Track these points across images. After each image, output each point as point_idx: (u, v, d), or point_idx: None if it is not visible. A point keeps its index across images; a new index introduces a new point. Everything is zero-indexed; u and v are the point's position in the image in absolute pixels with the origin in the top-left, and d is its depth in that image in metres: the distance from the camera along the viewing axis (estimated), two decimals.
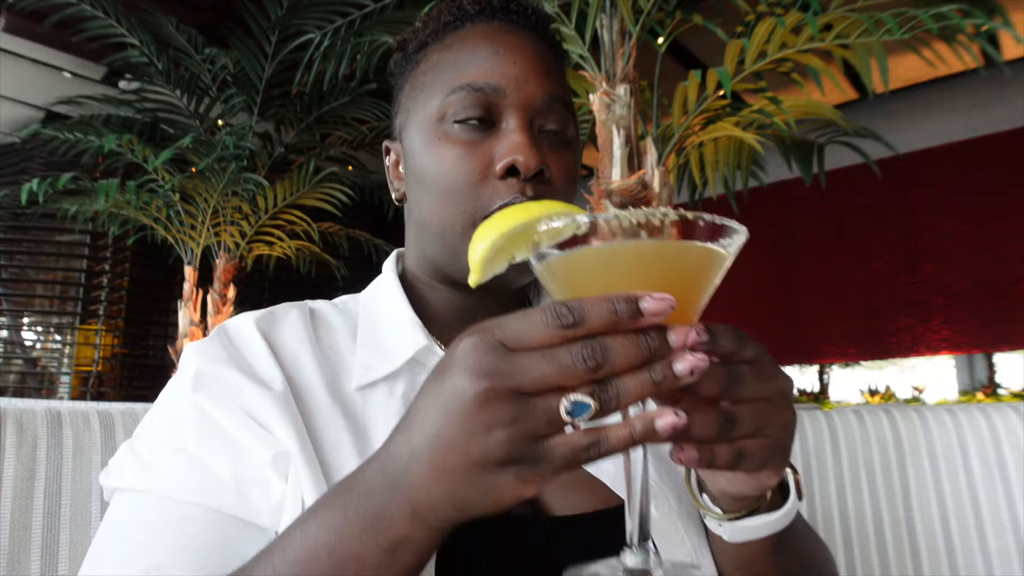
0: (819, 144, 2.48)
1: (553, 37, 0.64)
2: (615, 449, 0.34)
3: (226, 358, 0.53)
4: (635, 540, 0.38)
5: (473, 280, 0.50)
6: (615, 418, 0.35)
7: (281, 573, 0.39)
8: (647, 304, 0.34)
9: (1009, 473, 1.00)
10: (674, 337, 0.34)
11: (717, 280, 0.40)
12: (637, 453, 0.39)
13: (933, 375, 4.64)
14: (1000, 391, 4.25)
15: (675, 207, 0.38)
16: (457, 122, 0.56)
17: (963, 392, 4.42)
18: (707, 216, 0.37)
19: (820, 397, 4.96)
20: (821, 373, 5.14)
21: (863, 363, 4.92)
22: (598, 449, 0.34)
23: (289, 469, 0.49)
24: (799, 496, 0.48)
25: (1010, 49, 3.92)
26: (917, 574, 1.00)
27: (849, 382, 5.05)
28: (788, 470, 0.48)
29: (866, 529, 1.02)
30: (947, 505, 1.01)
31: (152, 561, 0.45)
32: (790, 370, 5.16)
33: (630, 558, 0.38)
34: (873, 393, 4.54)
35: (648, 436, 0.34)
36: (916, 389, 4.59)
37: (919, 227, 4.37)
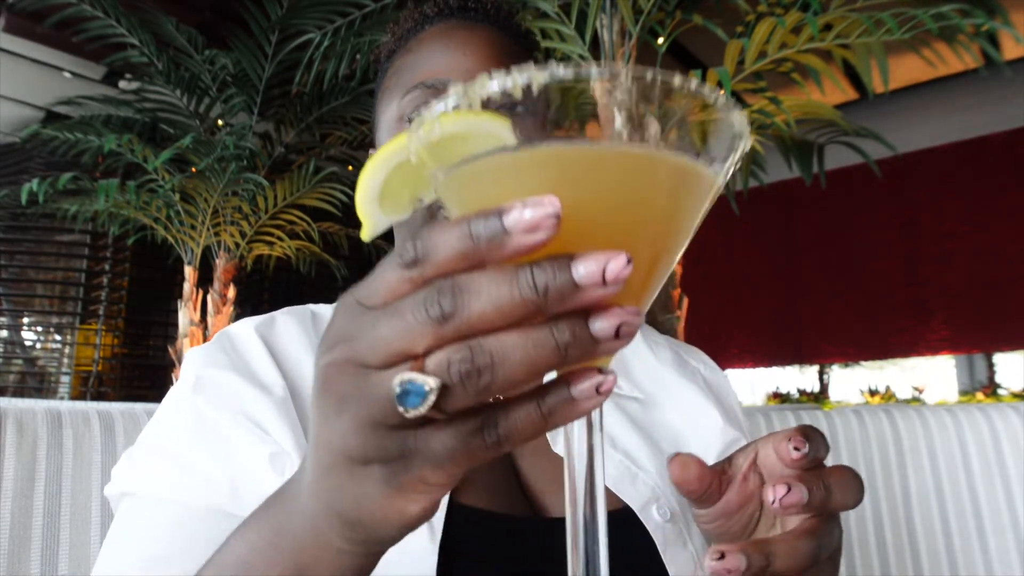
0: (819, 144, 2.47)
1: (517, 29, 0.65)
2: (520, 435, 0.25)
3: (227, 363, 0.54)
4: None
5: (364, 232, 0.36)
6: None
7: None
8: (516, 218, 0.23)
9: (1009, 473, 1.00)
10: (582, 269, 0.23)
11: (692, 224, 0.29)
12: (577, 446, 0.28)
13: (933, 375, 4.64)
14: (1000, 391, 4.25)
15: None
16: (411, 120, 0.57)
17: (963, 392, 4.42)
18: (684, 83, 0.26)
19: (820, 397, 4.96)
20: (821, 373, 5.13)
21: (863, 363, 4.92)
22: (493, 436, 0.25)
23: (286, 468, 0.49)
24: None
25: (1010, 49, 3.92)
26: (917, 574, 1.00)
27: (849, 382, 5.04)
28: None
29: (866, 529, 1.02)
30: (947, 505, 1.01)
31: (151, 554, 0.45)
32: (790, 370, 5.16)
33: None
34: (873, 393, 4.54)
35: (565, 412, 0.25)
36: (916, 389, 4.59)
37: (919, 227, 4.37)
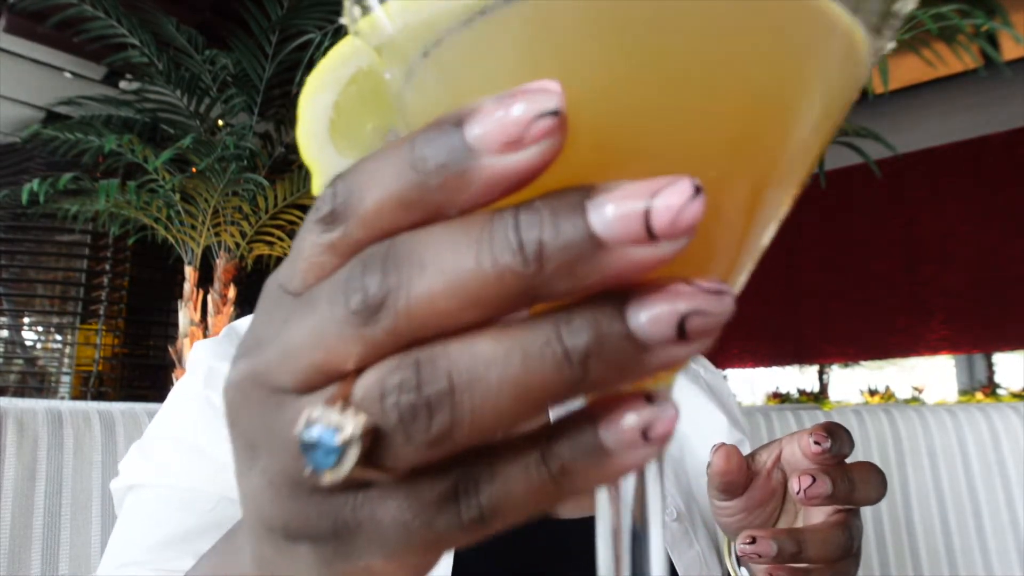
0: None
1: None
2: (516, 509, 0.15)
3: None
4: None
5: (315, 184, 0.23)
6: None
7: None
8: (484, 125, 0.13)
9: (1009, 473, 1.00)
10: (610, 210, 0.13)
11: (824, 126, 0.18)
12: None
13: (933, 375, 4.64)
14: (999, 391, 4.25)
15: None
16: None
17: (963, 392, 4.43)
18: None
19: (820, 397, 4.96)
20: (821, 373, 5.13)
21: (863, 363, 4.92)
22: (471, 510, 0.15)
23: None
24: None
25: (1010, 49, 3.92)
26: (917, 574, 1.00)
27: (849, 382, 5.04)
28: None
29: (866, 529, 1.02)
30: (947, 505, 1.01)
31: (163, 536, 0.45)
32: (790, 370, 5.16)
33: None
34: (873, 393, 4.54)
35: (591, 473, 0.15)
36: (916, 389, 4.59)
37: (919, 227, 4.37)
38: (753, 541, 0.36)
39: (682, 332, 0.13)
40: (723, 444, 0.42)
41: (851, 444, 0.40)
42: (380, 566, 0.16)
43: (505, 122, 0.13)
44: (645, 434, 0.14)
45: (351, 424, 0.14)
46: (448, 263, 0.14)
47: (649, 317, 0.13)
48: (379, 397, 0.14)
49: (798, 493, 0.37)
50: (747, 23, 0.15)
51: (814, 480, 0.37)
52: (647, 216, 0.13)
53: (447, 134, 0.14)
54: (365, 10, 0.17)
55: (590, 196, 0.13)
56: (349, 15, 0.18)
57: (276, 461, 0.16)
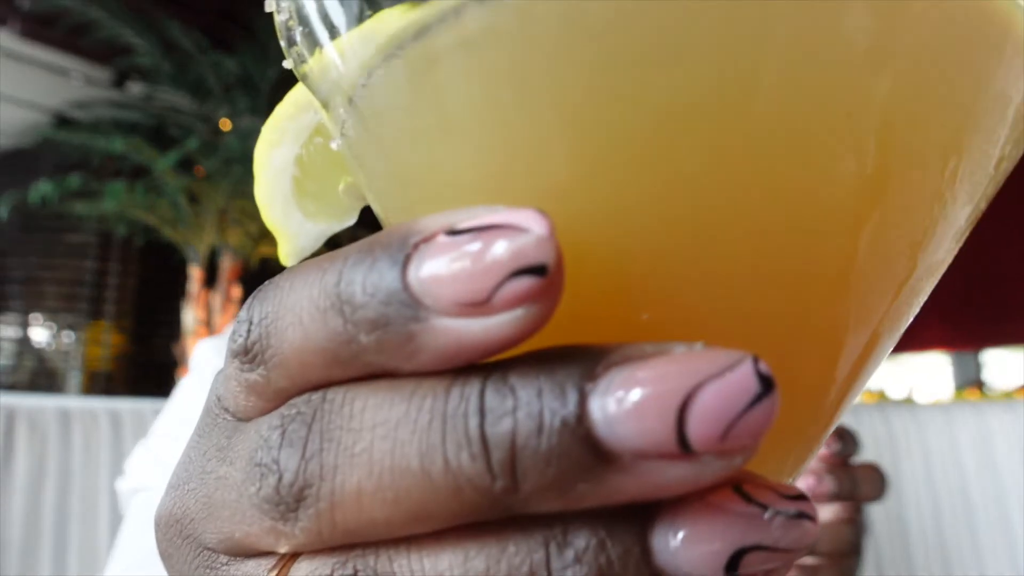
0: None
1: None
2: None
3: None
4: None
5: (283, 252, 0.20)
6: None
7: None
8: (429, 269, 0.10)
9: (1001, 472, 1.01)
10: (621, 404, 0.09)
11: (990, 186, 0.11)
12: None
13: (924, 372, 4.63)
14: (989, 389, 4.26)
15: None
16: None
17: (956, 389, 4.43)
18: None
19: None
20: None
21: None
22: None
23: None
24: None
25: None
26: (910, 572, 1.01)
27: None
28: None
29: None
30: (940, 504, 1.02)
31: None
32: None
33: None
34: (869, 393, 4.56)
35: None
36: (908, 387, 4.60)
37: None
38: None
39: (733, 567, 0.09)
40: None
41: (856, 446, 0.41)
42: None
43: (462, 273, 0.09)
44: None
45: None
46: (383, 457, 0.10)
47: (688, 555, 0.09)
48: None
49: (805, 490, 0.39)
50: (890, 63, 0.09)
51: (818, 479, 0.39)
52: (681, 417, 0.08)
53: (381, 270, 0.10)
54: (312, 47, 0.13)
55: (593, 375, 0.09)
56: (292, 57, 0.14)
57: None
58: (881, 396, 4.47)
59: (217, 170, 3.02)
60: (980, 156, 0.10)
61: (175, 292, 4.06)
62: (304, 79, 0.14)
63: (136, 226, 3.48)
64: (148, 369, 4.33)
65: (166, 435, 0.52)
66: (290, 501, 0.11)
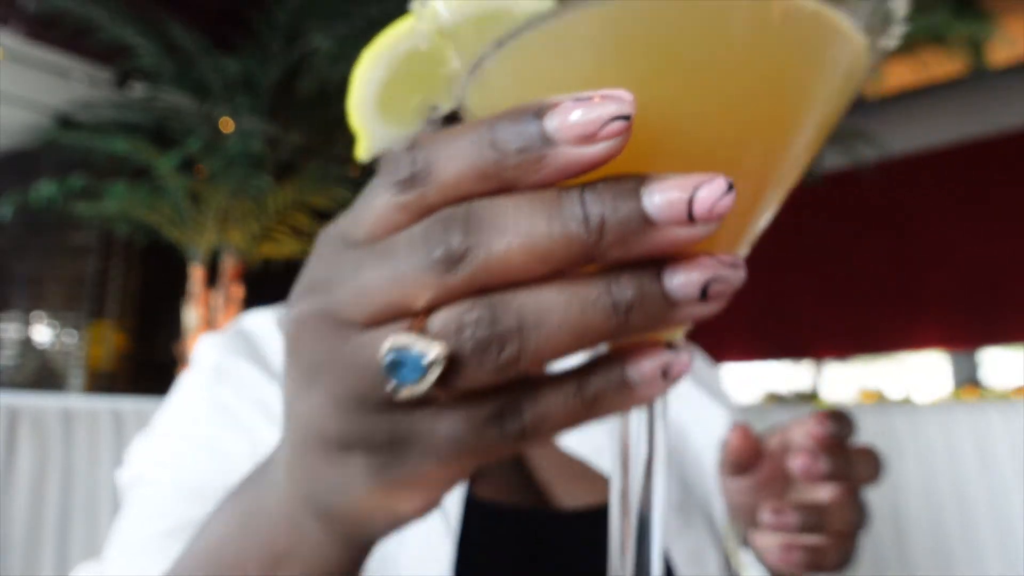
0: None
1: None
2: (552, 426, 0.19)
3: (245, 352, 0.54)
4: None
5: (360, 149, 0.25)
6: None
7: (182, 571, 0.28)
8: (562, 120, 0.16)
9: (1001, 472, 1.01)
10: (658, 197, 0.16)
11: (824, 128, 0.21)
12: (635, 435, 0.21)
13: (923, 372, 4.63)
14: (987, 388, 4.26)
15: None
16: None
17: (955, 387, 4.43)
18: None
19: (813, 397, 4.95)
20: (814, 369, 5.12)
21: (855, 360, 4.91)
22: (514, 426, 0.18)
23: None
24: None
25: (1000, 55, 3.93)
26: (908, 572, 1.01)
27: (842, 379, 5.03)
28: None
29: None
30: (938, 504, 1.03)
31: (170, 525, 0.45)
32: (782, 367, 5.16)
33: None
34: (867, 393, 4.55)
35: (615, 400, 0.19)
36: (906, 387, 4.59)
37: (910, 227, 4.38)
38: (775, 514, 0.39)
39: (704, 294, 0.17)
40: (739, 424, 0.45)
41: (851, 427, 0.42)
42: (428, 470, 0.20)
43: (585, 119, 0.16)
44: (664, 372, 0.18)
45: (436, 349, 0.17)
46: (524, 228, 0.17)
47: (681, 281, 0.17)
48: (456, 330, 0.17)
49: (797, 468, 0.40)
50: (769, 40, 0.18)
51: (816, 458, 0.39)
52: (690, 204, 0.16)
53: (528, 123, 0.17)
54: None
55: (644, 184, 0.17)
56: (417, 31, 0.21)
57: (342, 381, 0.19)
58: (879, 396, 4.47)
59: (219, 170, 3.02)
60: (821, 120, 0.21)
61: (177, 292, 4.07)
62: (422, 19, 0.21)
63: (138, 226, 3.49)
64: (150, 368, 4.34)
65: (168, 430, 0.52)
66: (455, 259, 0.17)
